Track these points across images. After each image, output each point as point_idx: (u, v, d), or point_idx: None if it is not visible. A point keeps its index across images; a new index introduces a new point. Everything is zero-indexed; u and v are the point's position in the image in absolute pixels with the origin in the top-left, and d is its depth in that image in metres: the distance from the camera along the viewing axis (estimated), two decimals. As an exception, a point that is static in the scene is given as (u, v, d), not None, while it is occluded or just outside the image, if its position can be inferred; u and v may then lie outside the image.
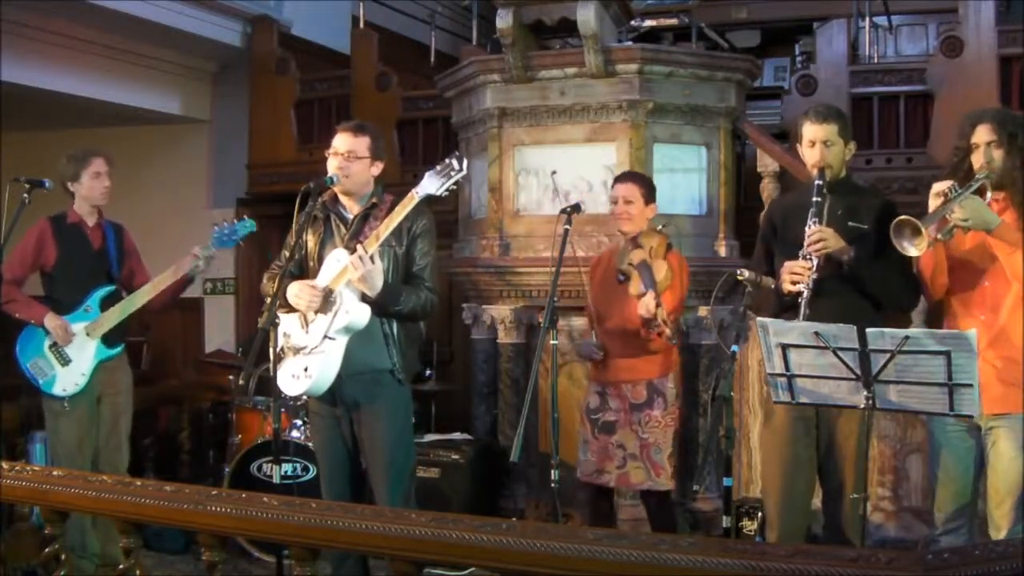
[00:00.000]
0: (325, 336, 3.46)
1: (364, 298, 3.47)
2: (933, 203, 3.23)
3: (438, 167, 3.41)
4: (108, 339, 4.50)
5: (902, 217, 3.14)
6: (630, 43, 5.69)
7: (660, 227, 4.20)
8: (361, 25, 7.32)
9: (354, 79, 6.90)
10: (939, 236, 3.18)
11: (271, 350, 3.44)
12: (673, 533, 4.08)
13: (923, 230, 3.08)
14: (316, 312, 3.50)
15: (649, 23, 6.64)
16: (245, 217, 4.60)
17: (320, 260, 3.61)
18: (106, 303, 4.51)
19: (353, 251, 3.46)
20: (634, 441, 4.05)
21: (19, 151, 6.88)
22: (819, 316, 3.29)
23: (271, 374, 3.56)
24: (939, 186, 3.26)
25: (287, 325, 3.58)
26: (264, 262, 7.20)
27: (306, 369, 3.48)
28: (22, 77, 6.20)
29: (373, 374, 3.56)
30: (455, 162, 3.39)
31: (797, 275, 3.37)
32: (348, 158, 3.59)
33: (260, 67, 7.17)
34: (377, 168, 3.68)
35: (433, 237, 3.68)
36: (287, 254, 3.64)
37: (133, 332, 4.76)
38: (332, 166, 3.60)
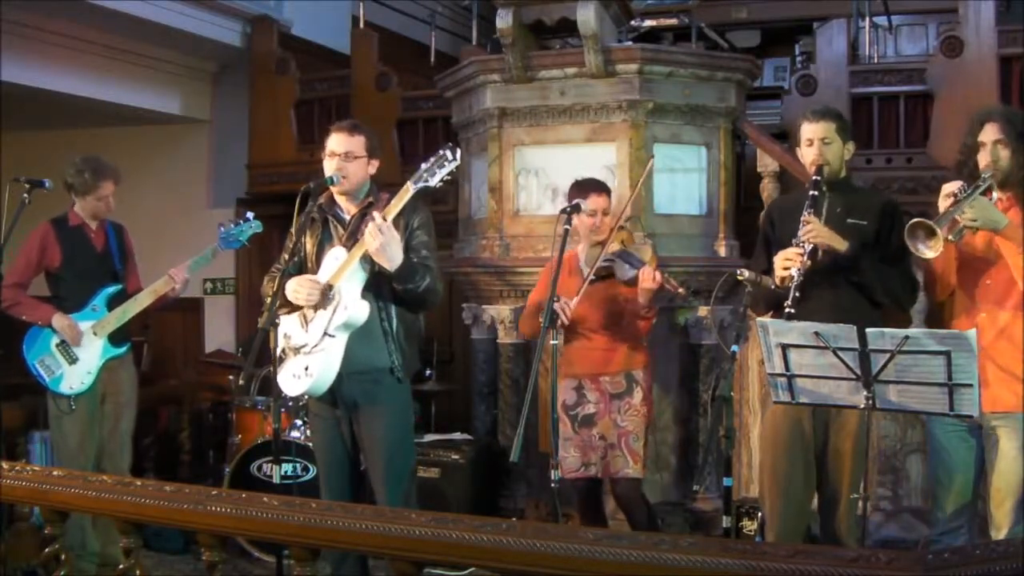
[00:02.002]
0: (325, 333, 3.46)
1: (372, 286, 3.47)
2: (943, 203, 3.23)
3: (432, 158, 3.42)
4: (114, 338, 4.51)
5: (916, 220, 3.14)
6: (630, 43, 5.69)
7: (621, 225, 4.24)
8: (361, 25, 7.32)
9: (354, 79, 6.89)
10: (950, 237, 3.18)
11: (272, 350, 3.44)
12: (648, 518, 4.20)
13: (937, 231, 3.08)
14: (316, 309, 3.50)
15: (649, 23, 6.64)
16: (251, 216, 4.59)
17: (318, 262, 3.60)
18: (113, 302, 4.52)
19: (349, 248, 3.47)
20: (613, 430, 4.10)
21: (19, 151, 6.88)
22: (816, 312, 3.30)
23: (272, 375, 3.57)
24: (949, 186, 3.25)
25: (287, 326, 3.58)
26: (264, 262, 7.20)
27: (307, 368, 3.48)
28: (22, 77, 6.20)
29: (373, 373, 3.56)
30: (448, 152, 3.40)
31: (789, 260, 3.39)
32: (346, 158, 3.58)
33: (260, 67, 7.17)
34: (373, 166, 3.68)
35: (431, 229, 3.67)
36: (286, 256, 3.65)
37: (133, 332, 4.77)
38: (330, 167, 3.60)
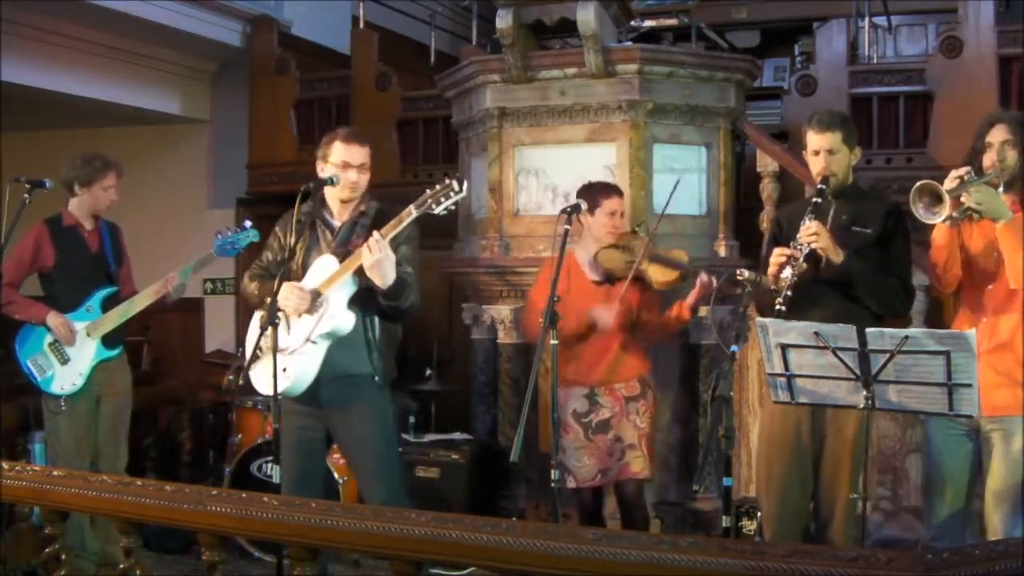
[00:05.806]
0: (307, 339, 3.47)
1: (358, 297, 3.48)
2: (949, 186, 3.23)
3: (438, 186, 3.40)
4: (107, 340, 4.50)
5: (923, 182, 3.14)
6: (630, 43, 5.69)
7: (634, 230, 4.25)
8: (361, 25, 7.32)
9: (354, 79, 6.89)
10: (954, 214, 3.18)
11: (273, 350, 3.45)
12: (645, 521, 4.25)
13: (945, 197, 3.08)
14: (301, 315, 3.51)
15: (649, 23, 6.64)
16: (248, 224, 4.59)
17: (304, 266, 3.61)
18: (107, 304, 4.51)
19: (342, 258, 3.48)
20: (632, 431, 4.10)
21: (19, 151, 6.88)
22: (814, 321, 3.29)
23: (245, 373, 3.57)
24: (957, 172, 3.26)
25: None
26: (264, 262, 7.21)
27: (284, 369, 3.48)
28: (22, 77, 6.20)
29: (353, 379, 3.58)
30: (455, 183, 3.38)
31: (780, 256, 3.37)
32: (361, 169, 3.62)
33: (260, 67, 7.17)
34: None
35: (416, 244, 3.70)
36: (269, 256, 3.70)
37: (133, 332, 4.78)
38: (346, 179, 3.59)
